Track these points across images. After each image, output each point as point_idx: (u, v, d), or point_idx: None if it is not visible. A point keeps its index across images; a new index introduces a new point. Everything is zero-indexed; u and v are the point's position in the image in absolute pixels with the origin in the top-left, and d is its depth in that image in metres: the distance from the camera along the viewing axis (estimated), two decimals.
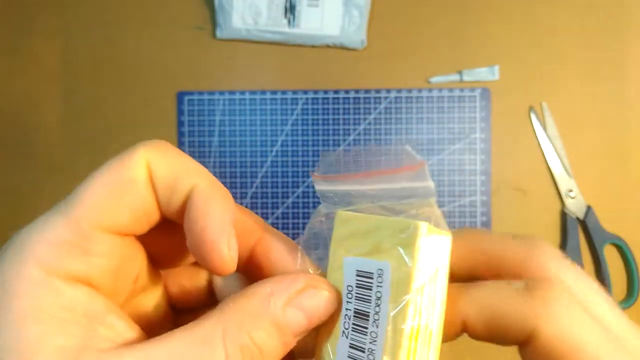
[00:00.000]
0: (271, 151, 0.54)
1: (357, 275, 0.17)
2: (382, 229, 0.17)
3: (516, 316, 0.15)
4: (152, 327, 0.19)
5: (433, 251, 0.16)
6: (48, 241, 0.15)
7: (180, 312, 0.21)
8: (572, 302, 0.15)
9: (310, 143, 0.54)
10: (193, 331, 0.15)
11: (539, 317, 0.15)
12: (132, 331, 0.16)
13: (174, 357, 0.15)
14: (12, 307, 0.14)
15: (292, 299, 0.16)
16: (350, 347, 0.17)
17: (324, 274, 0.18)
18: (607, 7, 0.53)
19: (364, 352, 0.16)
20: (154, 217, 0.17)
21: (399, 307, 0.16)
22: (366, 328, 0.17)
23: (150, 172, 0.17)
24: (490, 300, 0.16)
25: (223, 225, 0.16)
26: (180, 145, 0.54)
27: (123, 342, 0.16)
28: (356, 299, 0.17)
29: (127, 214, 0.16)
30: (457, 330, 0.17)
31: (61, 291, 0.15)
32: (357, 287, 0.17)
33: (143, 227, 0.17)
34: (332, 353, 0.17)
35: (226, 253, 0.16)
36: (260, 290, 0.16)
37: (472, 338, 0.17)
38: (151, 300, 0.20)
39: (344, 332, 0.17)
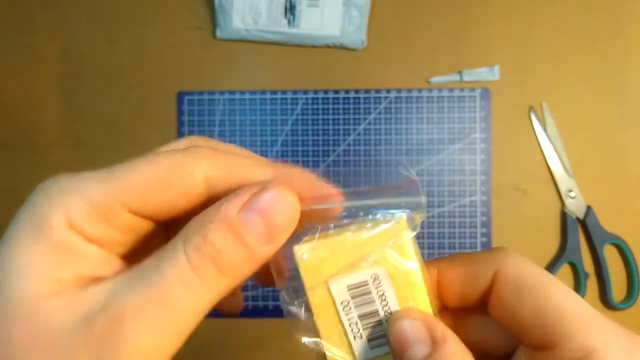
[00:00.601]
0: (271, 151, 0.54)
1: (349, 289, 0.19)
2: (351, 241, 0.19)
3: (484, 260, 0.20)
4: None
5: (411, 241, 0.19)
6: (82, 200, 0.17)
7: None
8: (523, 257, 0.19)
9: (310, 143, 0.54)
10: (162, 248, 0.17)
11: (500, 260, 0.19)
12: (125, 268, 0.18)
13: (146, 273, 0.16)
14: (24, 238, 0.16)
15: (245, 203, 0.17)
16: (369, 341, 0.19)
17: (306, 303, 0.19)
18: (607, 7, 0.54)
19: (384, 337, 0.19)
20: (190, 211, 0.18)
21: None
22: (380, 321, 0.19)
23: (207, 186, 0.18)
24: (462, 261, 0.20)
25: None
26: None
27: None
28: (356, 307, 0.19)
29: (159, 210, 0.18)
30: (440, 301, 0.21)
31: (72, 242, 0.17)
32: (353, 298, 0.19)
33: (170, 217, 0.19)
34: (355, 355, 0.19)
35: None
36: (217, 202, 0.17)
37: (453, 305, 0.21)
38: (152, 238, 0.21)
39: (355, 336, 0.19)
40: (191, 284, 0.16)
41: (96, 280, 0.17)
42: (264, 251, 0.17)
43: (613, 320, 0.18)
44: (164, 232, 0.20)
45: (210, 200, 0.18)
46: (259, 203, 0.17)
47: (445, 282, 0.20)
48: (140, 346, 0.15)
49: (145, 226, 0.18)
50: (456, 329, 0.20)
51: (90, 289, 0.16)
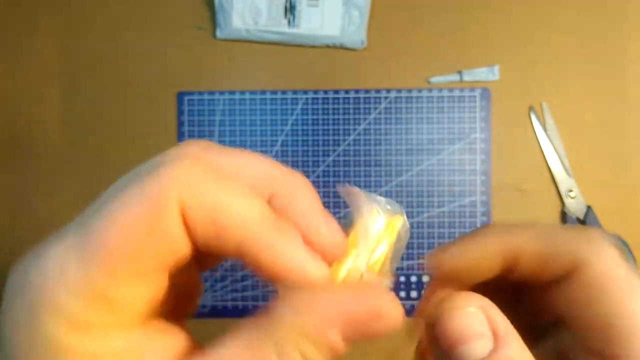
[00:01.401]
0: (271, 151, 0.54)
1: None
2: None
3: (566, 248, 0.17)
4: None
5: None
6: (69, 290, 0.14)
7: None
8: (614, 247, 0.17)
9: (310, 143, 0.54)
10: (248, 350, 0.15)
11: (586, 251, 0.16)
12: (181, 339, 0.16)
13: None
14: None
15: (350, 324, 0.15)
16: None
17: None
18: (607, 7, 0.54)
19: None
20: (182, 257, 0.16)
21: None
22: None
23: (184, 217, 0.15)
24: (544, 233, 0.17)
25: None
26: None
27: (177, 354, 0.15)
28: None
29: (154, 262, 0.15)
30: (500, 266, 0.18)
31: (88, 348, 0.14)
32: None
33: (169, 267, 0.16)
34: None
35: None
36: (315, 312, 0.15)
37: (512, 276, 0.18)
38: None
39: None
40: None
41: None
42: None
43: None
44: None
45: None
46: (363, 328, 0.15)
47: (519, 256, 0.18)
48: None
49: (157, 285, 0.16)
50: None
51: None
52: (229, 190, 0.15)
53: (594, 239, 0.17)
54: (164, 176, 0.14)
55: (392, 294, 0.16)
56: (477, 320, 0.16)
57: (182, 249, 0.15)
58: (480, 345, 0.15)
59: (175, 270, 0.16)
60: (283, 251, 0.15)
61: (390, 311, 0.15)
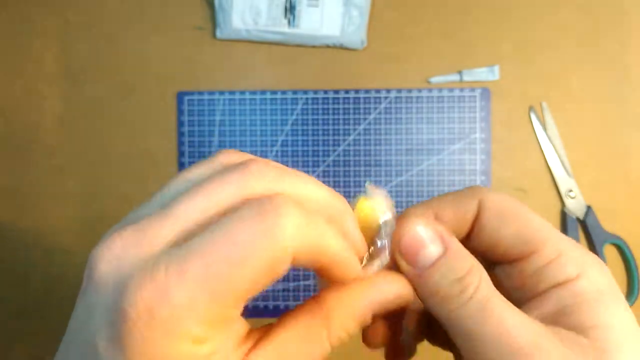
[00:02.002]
0: (271, 151, 0.54)
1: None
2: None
3: (468, 195, 0.23)
4: None
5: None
6: (199, 321, 0.16)
7: None
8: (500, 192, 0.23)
9: (310, 143, 0.54)
10: (304, 332, 0.19)
11: (483, 195, 0.22)
12: (245, 328, 0.19)
13: (294, 355, 0.19)
14: None
15: (378, 308, 0.21)
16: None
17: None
18: (607, 7, 0.54)
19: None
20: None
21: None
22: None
23: (293, 257, 0.17)
24: (451, 200, 0.23)
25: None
26: (180, 145, 0.54)
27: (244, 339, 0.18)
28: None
29: (262, 287, 0.18)
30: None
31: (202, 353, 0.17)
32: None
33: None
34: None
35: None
36: (361, 296, 0.21)
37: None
38: None
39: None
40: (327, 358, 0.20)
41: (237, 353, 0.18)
42: None
43: None
44: None
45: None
46: (390, 306, 0.21)
47: (440, 219, 0.23)
48: None
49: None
50: None
51: None
52: (325, 232, 0.18)
53: (487, 188, 0.23)
54: (282, 233, 0.17)
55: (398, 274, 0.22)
56: (426, 232, 0.21)
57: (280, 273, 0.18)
58: (434, 248, 0.21)
59: None
60: (351, 263, 0.20)
61: (404, 289, 0.21)
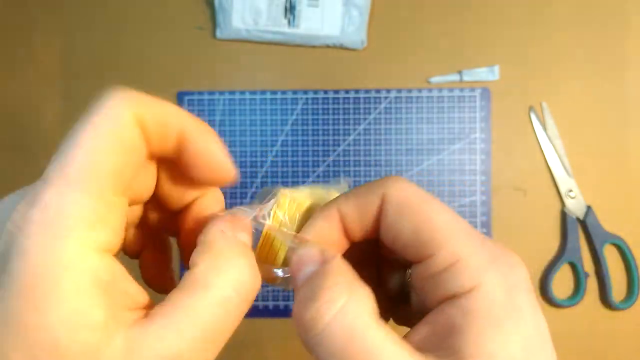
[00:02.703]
0: (271, 151, 0.54)
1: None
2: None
3: (373, 188, 0.21)
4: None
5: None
6: (82, 218, 0.16)
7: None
8: (406, 180, 0.21)
9: (310, 143, 0.54)
10: (193, 285, 0.18)
11: (387, 187, 0.20)
12: (142, 295, 0.18)
13: (187, 313, 0.17)
14: (57, 284, 0.15)
15: (235, 226, 0.20)
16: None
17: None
18: (607, 7, 0.54)
19: None
20: (143, 165, 0.20)
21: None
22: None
23: (142, 126, 0.18)
24: (355, 194, 0.22)
25: (223, 151, 0.20)
26: None
27: (138, 308, 0.17)
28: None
29: (132, 175, 0.18)
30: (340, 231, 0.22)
31: (94, 265, 0.16)
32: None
33: (137, 179, 0.20)
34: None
35: (232, 167, 0.21)
36: (215, 232, 0.20)
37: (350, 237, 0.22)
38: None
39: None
40: (237, 305, 0.19)
41: (130, 315, 0.17)
42: None
43: (486, 237, 0.20)
44: None
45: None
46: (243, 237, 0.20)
47: (345, 217, 0.21)
48: None
49: (125, 205, 0.19)
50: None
51: (136, 338, 0.16)
52: (166, 104, 0.19)
53: (393, 179, 0.21)
54: (114, 99, 0.18)
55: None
56: (310, 252, 0.20)
57: (142, 156, 0.19)
58: (309, 267, 0.20)
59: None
60: (213, 144, 0.20)
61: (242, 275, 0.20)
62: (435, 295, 0.19)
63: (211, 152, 0.20)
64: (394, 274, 0.24)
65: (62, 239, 0.16)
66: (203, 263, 0.18)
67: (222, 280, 0.18)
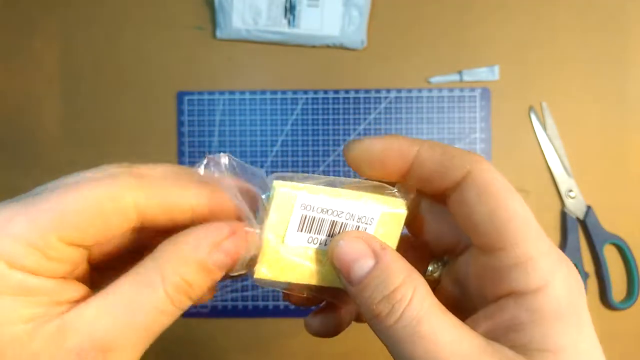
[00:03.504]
0: (271, 151, 0.54)
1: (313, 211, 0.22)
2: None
3: (459, 158, 0.20)
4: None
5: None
6: (15, 239, 0.17)
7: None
8: (492, 166, 0.20)
9: (310, 143, 0.54)
10: (137, 279, 0.19)
11: (474, 163, 0.20)
12: (84, 291, 0.19)
13: (125, 301, 0.18)
14: None
15: (217, 245, 0.19)
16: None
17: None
18: (608, 7, 0.54)
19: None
20: (120, 236, 0.21)
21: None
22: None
23: (138, 212, 0.19)
24: (440, 145, 0.21)
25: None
26: (180, 145, 0.54)
27: (78, 300, 0.18)
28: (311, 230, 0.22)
29: (94, 238, 0.19)
30: (406, 165, 0.22)
31: (23, 280, 0.17)
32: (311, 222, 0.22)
33: (101, 244, 0.20)
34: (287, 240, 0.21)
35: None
36: (190, 239, 0.19)
37: (414, 180, 0.22)
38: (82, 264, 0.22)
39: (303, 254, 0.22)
40: (170, 312, 0.19)
41: (67, 307, 0.18)
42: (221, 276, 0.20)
43: (548, 238, 0.20)
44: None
45: (148, 225, 0.20)
46: (226, 246, 0.20)
47: (420, 163, 0.21)
48: None
49: (79, 255, 0.19)
50: (415, 216, 0.23)
51: (71, 317, 0.17)
52: (173, 191, 0.20)
53: (479, 157, 0.21)
54: (116, 180, 0.19)
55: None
56: (358, 245, 0.20)
57: (121, 234, 0.20)
58: (365, 262, 0.20)
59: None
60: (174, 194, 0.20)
61: (241, 232, 0.20)
62: (497, 289, 0.20)
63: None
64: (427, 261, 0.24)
65: None
66: (161, 259, 0.19)
67: (161, 284, 0.19)
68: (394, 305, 0.19)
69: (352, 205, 0.21)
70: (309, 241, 0.22)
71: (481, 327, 0.19)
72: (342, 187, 0.22)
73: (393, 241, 0.22)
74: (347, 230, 0.21)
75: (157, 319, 0.18)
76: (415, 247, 0.24)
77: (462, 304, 0.22)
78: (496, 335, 0.19)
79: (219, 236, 0.19)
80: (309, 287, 0.23)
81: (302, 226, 0.21)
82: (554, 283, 0.19)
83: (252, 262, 0.21)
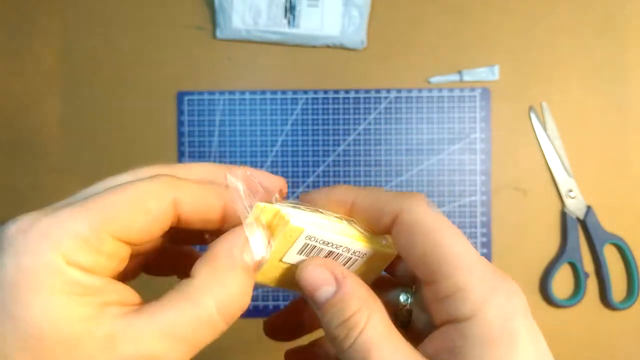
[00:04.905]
0: (271, 151, 0.54)
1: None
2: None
3: (388, 204, 0.22)
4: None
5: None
6: (71, 236, 0.18)
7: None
8: (425, 201, 0.22)
9: (310, 143, 0.54)
10: (185, 295, 0.19)
11: (404, 205, 0.22)
12: (136, 297, 0.20)
13: (173, 316, 0.18)
14: (42, 283, 0.17)
15: (245, 246, 0.21)
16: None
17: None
18: (607, 7, 0.54)
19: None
20: (161, 234, 0.21)
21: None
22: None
23: (176, 207, 0.20)
24: (372, 192, 0.23)
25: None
26: (180, 145, 0.54)
27: (131, 305, 0.19)
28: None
29: (140, 235, 0.20)
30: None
31: (78, 277, 0.18)
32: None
33: (144, 243, 0.21)
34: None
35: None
36: (224, 248, 0.20)
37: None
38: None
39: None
40: (218, 329, 0.20)
41: (116, 310, 0.18)
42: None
43: (489, 263, 0.21)
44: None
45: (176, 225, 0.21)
46: (252, 244, 0.21)
47: (356, 211, 0.23)
48: None
49: (126, 252, 0.20)
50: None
51: (121, 329, 0.18)
52: (206, 191, 0.21)
53: (411, 197, 0.22)
54: (161, 182, 0.20)
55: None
56: (321, 273, 0.21)
57: (162, 232, 0.20)
58: (326, 289, 0.21)
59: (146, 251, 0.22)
60: (206, 199, 0.21)
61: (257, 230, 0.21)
62: (439, 317, 0.21)
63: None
64: (391, 290, 0.26)
65: (51, 250, 0.17)
66: (200, 276, 0.20)
67: (211, 300, 0.19)
68: (349, 331, 0.20)
69: (350, 242, 0.23)
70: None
71: (428, 352, 0.21)
72: (349, 225, 0.23)
73: (373, 275, 0.24)
74: (339, 259, 0.23)
75: (204, 334, 0.19)
76: (387, 280, 0.26)
77: (427, 330, 0.23)
78: (440, 359, 0.20)
79: (243, 238, 0.21)
80: (295, 292, 0.24)
81: (302, 251, 0.22)
82: (484, 310, 0.20)
83: None
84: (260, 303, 0.53)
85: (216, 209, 0.21)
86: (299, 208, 0.23)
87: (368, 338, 0.20)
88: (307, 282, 0.21)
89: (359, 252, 0.23)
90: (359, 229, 0.23)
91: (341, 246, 0.22)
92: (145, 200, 0.19)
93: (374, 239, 0.23)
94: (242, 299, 0.20)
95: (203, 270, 0.20)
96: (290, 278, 0.23)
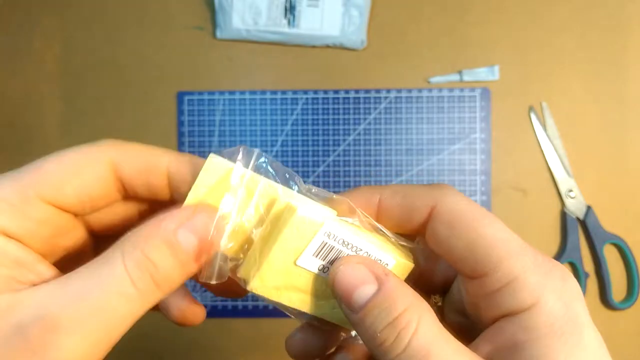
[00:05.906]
0: (271, 151, 0.54)
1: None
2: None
3: (420, 198, 0.21)
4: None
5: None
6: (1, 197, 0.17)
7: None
8: (457, 192, 0.21)
9: (310, 143, 0.54)
10: (97, 259, 0.18)
11: (438, 198, 0.20)
12: (55, 273, 0.18)
13: (82, 280, 0.17)
14: None
15: (182, 224, 0.18)
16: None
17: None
18: (608, 7, 0.54)
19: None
20: (104, 203, 0.20)
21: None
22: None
23: (114, 170, 0.19)
24: (401, 188, 0.21)
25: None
26: (180, 145, 0.54)
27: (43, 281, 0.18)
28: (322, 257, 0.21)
29: (73, 198, 0.19)
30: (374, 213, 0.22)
31: None
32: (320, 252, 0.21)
33: (86, 211, 0.20)
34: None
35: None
36: (154, 220, 0.18)
37: (384, 220, 0.22)
38: (75, 243, 0.22)
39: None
40: (129, 296, 0.17)
41: (26, 284, 0.17)
42: (195, 266, 0.19)
43: (536, 249, 0.19)
44: (90, 244, 0.22)
45: (125, 194, 0.20)
46: (194, 225, 0.18)
47: (384, 211, 0.22)
48: (75, 355, 0.16)
49: (64, 221, 0.19)
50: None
51: (23, 295, 0.17)
52: (147, 151, 0.21)
53: (445, 189, 0.20)
54: (97, 144, 0.20)
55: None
56: (360, 271, 0.19)
57: (105, 197, 0.20)
58: (367, 288, 0.19)
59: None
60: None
61: (207, 209, 0.19)
62: (491, 312, 0.19)
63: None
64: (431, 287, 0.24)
65: None
66: (125, 239, 0.18)
67: (121, 267, 0.17)
68: (400, 332, 0.18)
69: (371, 246, 0.21)
70: (319, 268, 0.21)
71: (484, 351, 0.19)
72: (371, 233, 0.21)
73: None
74: None
75: (115, 301, 0.17)
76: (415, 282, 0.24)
77: (464, 329, 0.22)
78: (499, 358, 0.19)
79: (186, 216, 0.19)
80: (300, 313, 0.22)
81: (319, 252, 0.20)
82: (545, 297, 0.18)
83: (229, 271, 0.20)
84: (261, 303, 0.54)
85: (160, 171, 0.20)
86: (314, 200, 0.21)
87: (424, 340, 0.18)
88: (342, 282, 0.19)
89: (381, 260, 0.21)
90: (378, 236, 0.21)
91: (362, 250, 0.20)
92: (77, 161, 0.19)
93: (393, 247, 0.22)
94: (160, 273, 0.18)
95: (128, 236, 0.18)
96: (295, 289, 0.21)
